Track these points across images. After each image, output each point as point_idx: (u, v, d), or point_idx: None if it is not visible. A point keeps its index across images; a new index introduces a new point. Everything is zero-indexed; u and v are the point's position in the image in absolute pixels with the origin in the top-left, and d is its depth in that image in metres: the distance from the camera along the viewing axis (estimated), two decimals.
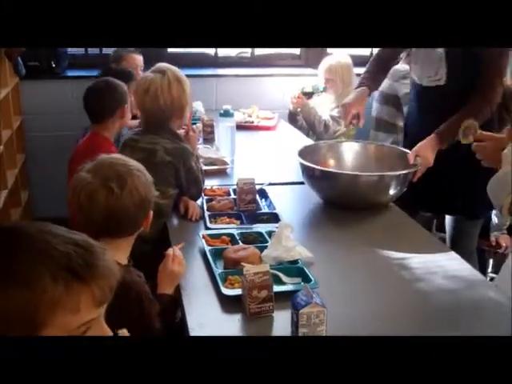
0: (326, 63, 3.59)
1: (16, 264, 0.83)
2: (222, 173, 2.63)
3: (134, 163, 1.51)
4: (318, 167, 2.16)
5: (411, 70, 2.49)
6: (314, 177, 2.20)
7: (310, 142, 3.14)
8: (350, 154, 2.42)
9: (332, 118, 3.51)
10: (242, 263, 1.65)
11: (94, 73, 3.55)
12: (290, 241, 1.80)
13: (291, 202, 2.32)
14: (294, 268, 1.72)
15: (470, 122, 1.74)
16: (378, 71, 2.53)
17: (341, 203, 2.17)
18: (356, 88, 2.52)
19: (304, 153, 2.28)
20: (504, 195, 1.45)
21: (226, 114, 2.77)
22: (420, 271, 1.77)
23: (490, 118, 2.20)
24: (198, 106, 3.55)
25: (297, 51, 4.28)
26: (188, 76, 3.91)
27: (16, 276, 0.82)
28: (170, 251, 1.68)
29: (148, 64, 3.86)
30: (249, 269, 1.52)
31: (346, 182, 2.12)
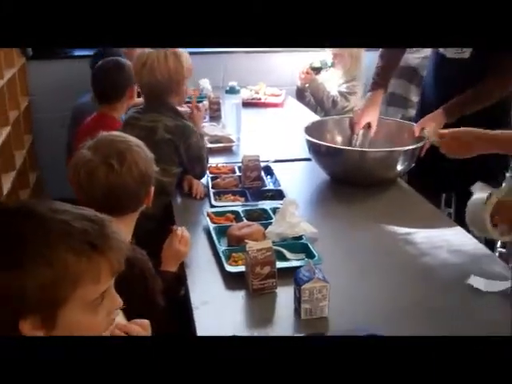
0: None
1: (36, 245, 0.85)
2: (227, 150, 2.62)
3: (133, 139, 1.50)
4: (324, 143, 2.13)
5: None
6: (321, 153, 2.18)
7: (317, 118, 3.12)
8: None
9: (340, 93, 3.47)
10: (246, 240, 1.65)
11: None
12: (295, 217, 1.79)
13: (297, 179, 2.31)
14: (298, 244, 1.72)
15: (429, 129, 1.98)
16: (390, 65, 2.42)
17: (347, 179, 2.15)
18: (369, 90, 2.42)
19: (311, 129, 2.26)
20: (482, 222, 1.49)
21: (232, 91, 2.75)
22: (425, 246, 1.75)
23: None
24: (205, 84, 3.52)
25: None
26: (194, 53, 3.89)
27: (37, 257, 0.85)
28: (178, 230, 1.67)
29: None
30: (252, 245, 1.52)
31: (352, 158, 2.10)
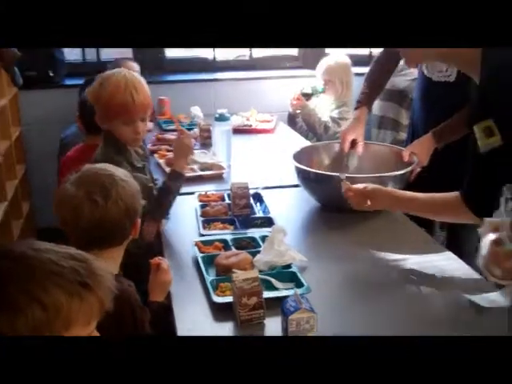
0: (324, 64, 3.56)
1: (27, 286, 0.84)
2: (218, 178, 2.61)
3: (119, 172, 1.49)
4: (312, 170, 2.13)
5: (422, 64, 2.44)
6: (309, 179, 2.17)
7: (307, 143, 3.12)
8: (350, 154, 2.39)
9: (332, 119, 3.48)
10: (233, 269, 1.64)
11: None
12: (283, 245, 1.77)
13: (287, 206, 2.30)
14: (286, 273, 1.70)
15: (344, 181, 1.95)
16: (375, 87, 2.46)
17: (337, 206, 2.14)
18: (355, 108, 2.45)
19: (299, 155, 2.26)
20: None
21: (222, 118, 2.76)
22: (416, 273, 1.74)
23: None
24: (196, 111, 3.53)
25: (295, 52, 4.26)
26: (185, 81, 3.98)
27: (30, 298, 0.83)
28: (161, 263, 1.66)
29: (147, 70, 3.89)
30: (237, 275, 1.50)
31: (340, 184, 2.09)
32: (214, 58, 4.14)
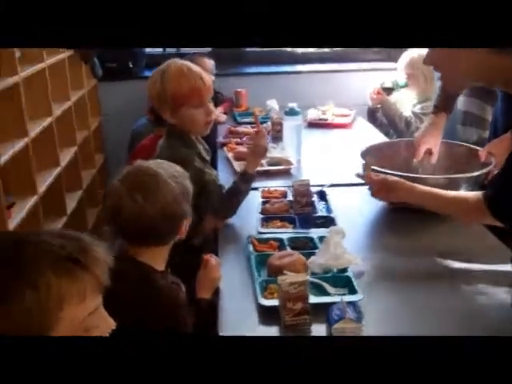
0: (406, 57, 3.39)
1: (17, 268, 0.83)
2: (285, 173, 2.53)
3: (166, 170, 1.45)
4: (380, 169, 2.00)
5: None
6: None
7: (383, 140, 2.98)
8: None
9: (414, 114, 3.32)
10: (285, 271, 1.57)
11: None
12: (340, 247, 1.68)
13: (353, 205, 2.18)
14: (340, 277, 1.61)
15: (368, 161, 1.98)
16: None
17: (406, 208, 2.01)
18: (431, 113, 2.30)
19: (368, 152, 2.14)
20: None
21: (292, 113, 2.66)
22: (482, 284, 1.59)
23: None
24: (272, 104, 3.47)
25: None
26: (264, 74, 3.92)
27: (20, 280, 0.83)
28: (211, 260, 1.62)
29: (225, 65, 3.87)
30: (284, 278, 1.43)
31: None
32: (294, 50, 4.06)
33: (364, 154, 2.13)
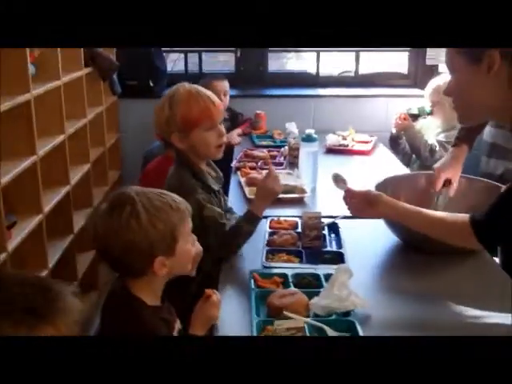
0: (433, 84, 3.29)
1: None
2: (298, 202, 2.44)
3: (146, 202, 1.31)
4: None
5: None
6: None
7: (404, 170, 2.88)
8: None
9: (439, 142, 3.22)
10: (285, 312, 1.48)
11: None
12: (345, 288, 1.58)
13: (366, 240, 2.08)
14: (343, 321, 1.51)
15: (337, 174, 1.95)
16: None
17: (421, 246, 1.90)
18: (452, 145, 2.24)
19: (383, 186, 2.04)
20: None
21: (309, 139, 2.58)
22: (496, 334, 1.47)
23: None
24: (292, 127, 3.39)
25: (404, 70, 4.00)
26: (285, 96, 3.86)
27: None
28: (213, 296, 1.52)
29: (246, 86, 3.82)
30: (281, 323, 1.34)
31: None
32: (318, 73, 3.99)
33: (380, 187, 2.03)
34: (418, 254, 1.91)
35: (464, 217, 1.54)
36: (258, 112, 3.65)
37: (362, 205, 1.76)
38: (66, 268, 2.55)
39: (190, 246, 1.43)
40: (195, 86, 1.90)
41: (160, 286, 1.43)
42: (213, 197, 1.89)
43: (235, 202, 2.34)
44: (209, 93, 1.89)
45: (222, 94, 3.46)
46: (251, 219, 1.87)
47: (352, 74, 4.03)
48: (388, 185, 2.09)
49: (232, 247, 1.89)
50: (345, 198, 1.83)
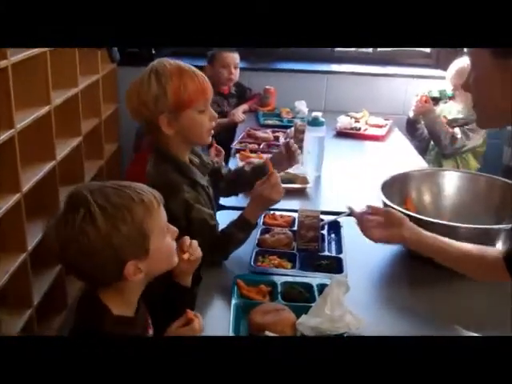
0: (456, 65, 3.06)
1: None
2: (300, 193, 2.23)
3: (105, 201, 1.10)
4: (403, 210, 1.69)
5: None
6: None
7: (418, 162, 2.65)
8: (451, 187, 1.91)
9: (461, 130, 3.00)
10: (267, 331, 1.29)
11: (199, 62, 3.34)
12: (339, 307, 1.39)
13: (368, 243, 1.87)
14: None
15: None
16: None
17: (430, 258, 1.70)
18: None
19: (390, 185, 1.82)
20: None
21: (315, 123, 2.36)
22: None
23: None
24: (301, 106, 3.18)
25: (427, 49, 3.73)
26: (296, 71, 3.61)
27: None
28: (192, 318, 1.32)
29: (255, 59, 3.58)
30: None
31: (439, 233, 1.64)
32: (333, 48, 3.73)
33: (386, 187, 1.81)
34: (427, 264, 1.68)
35: (493, 251, 1.39)
36: (267, 87, 3.42)
37: (383, 224, 1.53)
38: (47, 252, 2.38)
39: (167, 239, 1.23)
40: (179, 61, 1.65)
41: (136, 292, 1.24)
42: (200, 193, 1.68)
43: None
44: (196, 70, 1.65)
45: (232, 66, 3.26)
46: (243, 226, 1.65)
47: (370, 51, 3.76)
48: (397, 183, 1.88)
49: (221, 253, 1.68)
50: (360, 216, 1.59)
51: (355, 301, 1.47)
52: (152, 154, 1.66)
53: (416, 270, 1.71)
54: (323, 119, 2.37)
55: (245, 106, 3.37)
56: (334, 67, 3.65)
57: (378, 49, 3.74)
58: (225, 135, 2.95)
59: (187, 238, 1.37)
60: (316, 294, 1.49)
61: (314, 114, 2.40)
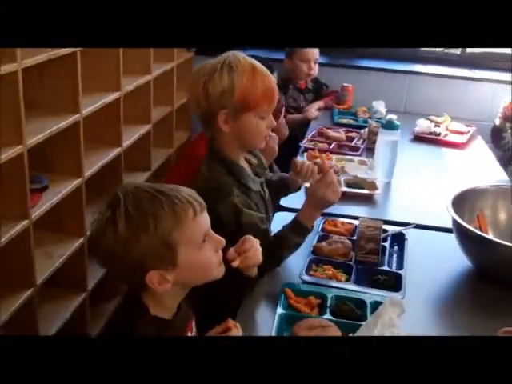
0: None
1: None
2: (366, 199, 2.11)
3: (124, 201, 1.04)
4: (471, 228, 1.54)
5: None
6: (467, 237, 1.59)
7: (499, 174, 2.45)
8: None
9: None
10: None
11: (277, 55, 3.28)
12: (391, 328, 1.28)
13: (433, 260, 1.72)
14: None
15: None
16: None
17: (501, 280, 1.55)
18: None
19: (461, 200, 1.68)
20: None
21: (390, 126, 2.23)
22: None
23: None
24: (379, 106, 3.04)
25: None
26: (376, 69, 3.46)
27: None
28: (231, 327, 1.24)
29: (335, 55, 3.47)
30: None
31: (507, 255, 1.49)
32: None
33: (458, 200, 1.67)
34: (496, 287, 1.55)
35: None
36: (345, 85, 3.29)
37: None
38: None
39: (205, 251, 1.14)
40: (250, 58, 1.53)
41: (175, 297, 1.17)
42: (252, 197, 1.58)
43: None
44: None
45: (312, 61, 3.18)
46: (297, 229, 1.55)
47: (458, 52, 3.55)
48: (469, 198, 1.73)
49: (275, 259, 1.58)
50: None
51: (411, 324, 1.36)
52: (206, 154, 1.59)
53: (485, 294, 1.56)
54: (398, 123, 2.23)
55: (320, 103, 3.26)
56: (417, 67, 3.47)
57: (467, 50, 3.52)
58: (296, 132, 2.86)
59: (231, 250, 1.28)
60: (368, 312, 1.38)
61: (389, 116, 2.27)
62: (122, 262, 1.04)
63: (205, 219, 1.12)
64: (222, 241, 1.15)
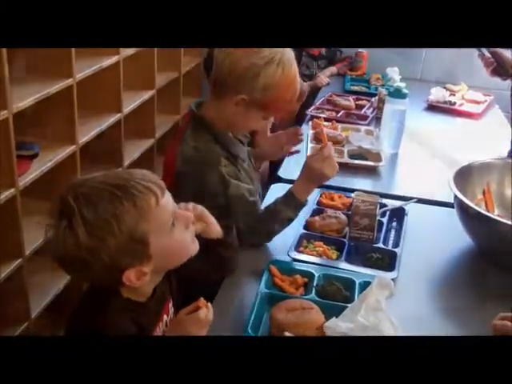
0: None
1: None
2: (370, 171, 2.01)
3: (78, 208, 0.94)
4: (474, 206, 1.45)
5: None
6: (468, 215, 1.49)
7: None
8: None
9: None
10: (286, 333, 1.14)
11: None
12: (376, 312, 1.21)
13: (432, 237, 1.63)
14: None
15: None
16: None
17: (503, 261, 1.46)
18: None
19: (464, 174, 1.58)
20: None
21: (397, 95, 2.11)
22: None
23: None
24: (393, 73, 2.90)
25: None
26: None
27: None
28: (201, 306, 1.17)
29: None
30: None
31: (504, 234, 1.40)
32: None
33: (463, 175, 1.57)
34: (497, 270, 1.46)
35: None
36: (359, 50, 3.16)
37: None
38: None
39: (176, 233, 1.06)
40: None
41: (149, 285, 1.10)
42: (241, 167, 1.51)
43: (293, 160, 1.94)
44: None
45: None
46: (291, 203, 1.47)
47: None
48: (472, 173, 1.63)
49: (265, 233, 1.51)
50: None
51: (403, 307, 1.29)
52: (190, 126, 1.47)
53: (485, 277, 1.47)
54: (406, 91, 2.11)
55: (333, 69, 3.14)
56: None
57: None
58: (306, 99, 2.75)
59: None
60: (357, 293, 1.31)
61: (397, 84, 2.15)
62: (92, 268, 0.96)
63: (168, 201, 1.03)
64: (190, 216, 1.08)
